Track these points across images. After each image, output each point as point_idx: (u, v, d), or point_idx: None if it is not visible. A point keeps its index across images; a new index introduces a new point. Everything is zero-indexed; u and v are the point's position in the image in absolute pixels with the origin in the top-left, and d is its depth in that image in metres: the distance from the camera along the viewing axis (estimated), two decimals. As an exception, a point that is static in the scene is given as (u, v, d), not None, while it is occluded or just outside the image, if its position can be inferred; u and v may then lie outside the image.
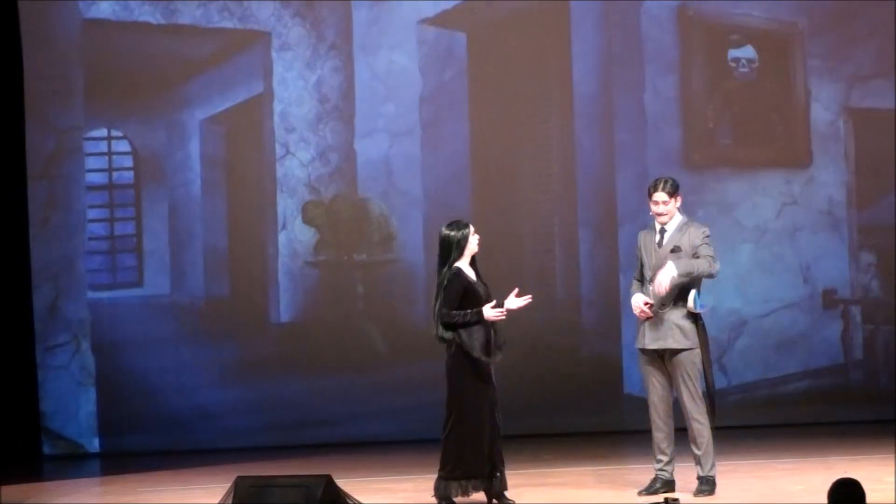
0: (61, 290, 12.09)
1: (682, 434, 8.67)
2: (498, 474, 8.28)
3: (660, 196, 8.57)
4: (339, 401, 12.25)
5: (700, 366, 8.53)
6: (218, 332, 12.39)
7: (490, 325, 8.28)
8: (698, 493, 8.54)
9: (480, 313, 8.21)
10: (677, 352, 8.50)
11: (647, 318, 8.55)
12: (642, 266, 8.66)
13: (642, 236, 8.71)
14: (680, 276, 8.38)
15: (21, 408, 11.94)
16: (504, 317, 8.28)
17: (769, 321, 12.53)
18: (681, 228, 8.59)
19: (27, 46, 12.02)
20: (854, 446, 10.62)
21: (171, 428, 12.14)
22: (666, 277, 8.38)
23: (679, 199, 8.61)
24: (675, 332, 8.47)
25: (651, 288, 8.53)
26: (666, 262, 8.48)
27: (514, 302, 8.36)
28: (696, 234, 8.56)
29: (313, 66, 12.49)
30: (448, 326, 8.21)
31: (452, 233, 8.33)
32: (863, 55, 12.63)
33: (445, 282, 8.26)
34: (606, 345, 12.37)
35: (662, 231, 8.61)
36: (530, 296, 8.39)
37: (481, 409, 8.21)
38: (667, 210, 8.57)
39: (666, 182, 8.61)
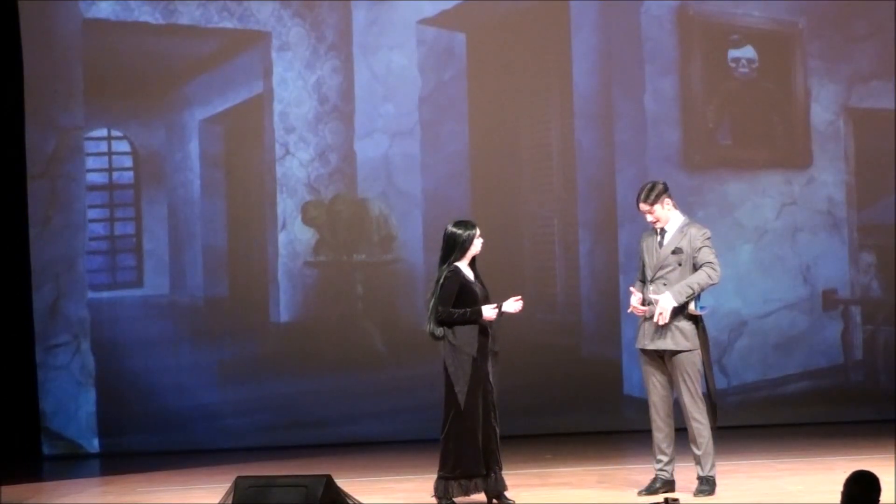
0: (61, 290, 12.08)
1: (681, 434, 8.68)
2: (493, 475, 8.27)
3: (642, 207, 8.61)
4: (339, 401, 12.25)
5: (700, 367, 8.54)
6: (218, 332, 12.39)
7: (486, 326, 8.29)
8: (698, 493, 8.54)
9: (479, 313, 8.22)
10: (677, 353, 8.50)
11: (642, 315, 8.55)
12: (644, 267, 8.67)
13: (644, 238, 8.72)
14: (681, 303, 8.42)
15: (21, 408, 11.94)
16: (497, 315, 8.30)
17: (769, 322, 12.53)
18: (682, 230, 8.59)
19: (27, 46, 12.02)
20: (854, 446, 10.62)
21: (171, 428, 12.13)
22: (666, 307, 8.40)
23: (665, 202, 8.58)
24: (676, 333, 8.47)
25: (651, 289, 8.55)
26: (666, 262, 8.51)
27: (510, 305, 8.37)
28: (697, 236, 8.57)
29: (313, 66, 12.49)
30: (443, 323, 8.23)
31: (459, 231, 8.35)
32: (863, 55, 12.63)
33: (442, 279, 8.29)
34: (606, 345, 12.36)
35: (662, 232, 8.62)
36: (520, 296, 8.40)
37: (478, 408, 8.21)
38: (654, 217, 8.59)
39: (645, 192, 8.59)
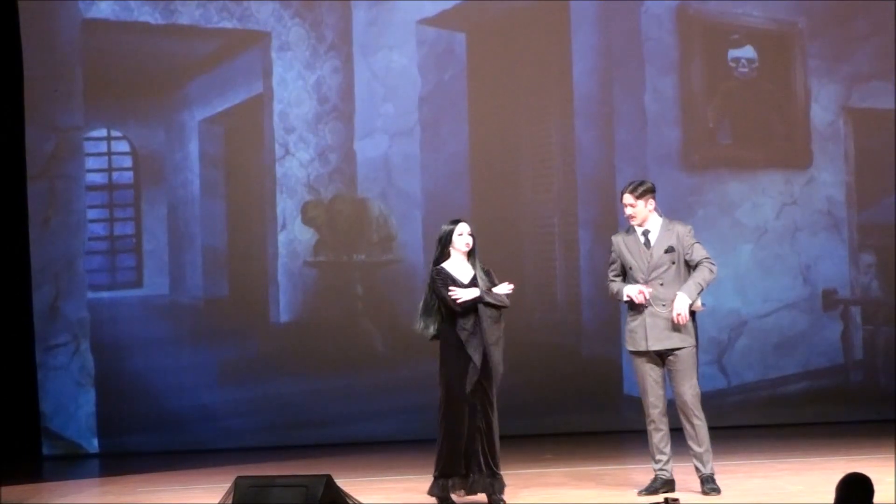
0: (61, 290, 12.08)
1: (674, 434, 8.67)
2: (472, 475, 8.23)
3: (626, 198, 8.63)
4: (339, 401, 12.25)
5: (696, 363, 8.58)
6: (218, 332, 12.38)
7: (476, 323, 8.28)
8: (709, 491, 8.51)
9: (454, 300, 8.20)
10: (680, 350, 8.50)
11: (642, 304, 8.53)
12: (627, 269, 8.65)
13: (621, 240, 8.68)
14: (693, 300, 8.43)
15: (21, 408, 11.94)
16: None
17: (769, 321, 12.53)
18: (667, 228, 8.61)
19: (27, 46, 12.02)
20: (854, 446, 10.62)
21: (171, 428, 12.13)
22: (684, 307, 8.40)
23: (650, 201, 8.60)
24: (681, 330, 8.47)
25: (648, 291, 8.54)
26: (660, 262, 8.51)
27: (502, 289, 8.34)
28: (685, 233, 8.59)
29: (313, 66, 12.49)
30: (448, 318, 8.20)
31: (442, 230, 8.35)
32: (863, 55, 12.63)
33: (430, 281, 8.28)
34: (606, 345, 12.35)
35: (646, 233, 8.61)
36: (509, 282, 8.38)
37: (459, 408, 8.19)
38: (634, 212, 8.60)
39: (634, 185, 8.65)
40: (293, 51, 12.46)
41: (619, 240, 8.70)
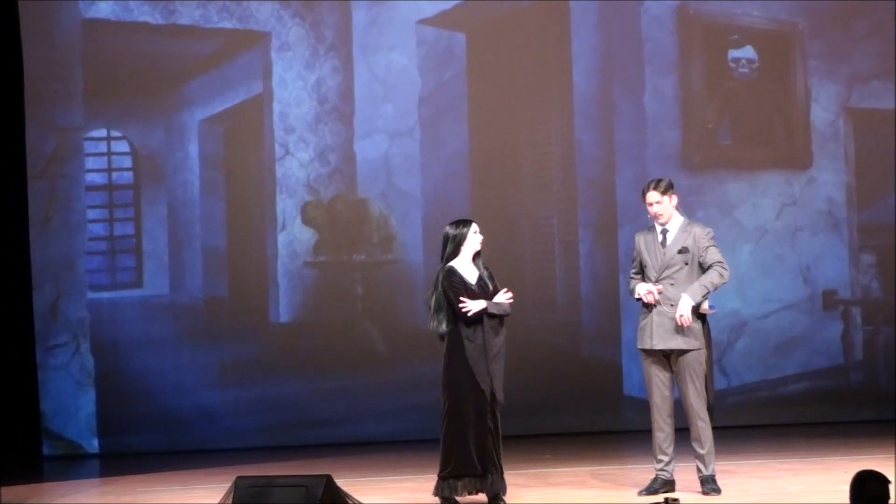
0: (61, 290, 12.08)
1: (680, 434, 8.68)
2: (489, 476, 8.24)
3: (652, 196, 8.60)
4: (339, 401, 12.25)
5: (705, 366, 8.55)
6: (218, 332, 12.38)
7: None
8: (709, 491, 8.53)
9: (502, 307, 8.22)
10: (685, 352, 8.50)
11: (652, 303, 8.52)
12: (643, 267, 8.65)
13: (641, 238, 8.70)
14: (698, 303, 8.42)
15: (21, 408, 11.94)
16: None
17: (769, 322, 12.53)
18: (685, 229, 8.59)
19: (27, 46, 12.02)
20: (854, 446, 10.62)
21: (171, 428, 12.13)
22: (686, 309, 8.40)
23: (673, 197, 8.61)
24: (686, 332, 8.47)
25: (658, 289, 8.54)
26: (673, 262, 8.50)
27: (500, 297, 8.35)
28: (702, 235, 8.57)
29: (312, 66, 12.49)
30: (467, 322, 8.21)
31: (450, 230, 8.37)
32: (863, 55, 12.64)
33: (442, 281, 8.26)
34: (606, 346, 12.36)
35: (664, 232, 8.61)
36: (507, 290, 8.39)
37: (467, 409, 8.20)
38: (661, 209, 8.59)
39: (655, 181, 8.66)
40: (293, 51, 12.46)
41: (639, 237, 8.71)
